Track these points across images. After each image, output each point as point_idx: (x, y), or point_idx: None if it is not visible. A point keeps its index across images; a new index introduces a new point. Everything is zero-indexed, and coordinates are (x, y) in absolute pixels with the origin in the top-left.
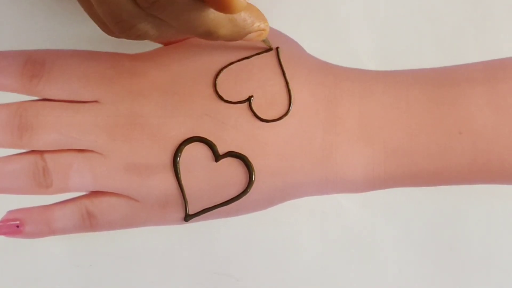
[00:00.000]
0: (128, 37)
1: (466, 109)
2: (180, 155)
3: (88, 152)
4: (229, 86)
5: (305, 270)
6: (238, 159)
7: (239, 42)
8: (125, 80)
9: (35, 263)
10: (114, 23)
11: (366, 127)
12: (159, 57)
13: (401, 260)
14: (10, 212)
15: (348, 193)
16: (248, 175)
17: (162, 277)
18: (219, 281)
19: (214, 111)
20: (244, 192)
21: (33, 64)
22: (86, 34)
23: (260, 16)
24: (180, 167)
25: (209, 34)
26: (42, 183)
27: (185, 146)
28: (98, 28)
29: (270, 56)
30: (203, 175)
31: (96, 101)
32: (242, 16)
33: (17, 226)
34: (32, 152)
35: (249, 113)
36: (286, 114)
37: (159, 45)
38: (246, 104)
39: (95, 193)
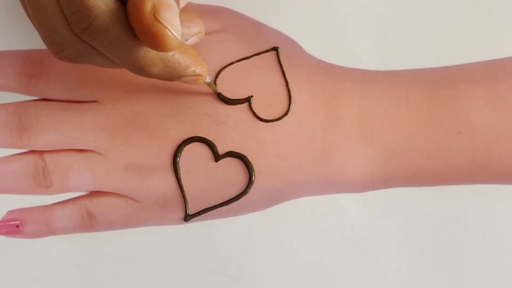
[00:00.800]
0: (61, 58)
1: (465, 109)
2: (180, 155)
3: (88, 152)
4: (228, 86)
5: (305, 270)
6: (238, 159)
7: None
8: (124, 79)
9: (35, 263)
10: (48, 44)
11: (366, 127)
12: None
13: (401, 260)
14: (10, 212)
15: (348, 193)
16: (248, 175)
17: (162, 277)
18: (219, 281)
19: (213, 111)
20: (244, 192)
21: (32, 64)
22: None
23: (198, 60)
24: (180, 167)
25: (141, 71)
26: (42, 183)
27: (185, 146)
28: None
29: (270, 56)
30: (203, 175)
31: (95, 101)
32: (176, 58)
33: (17, 226)
34: (32, 152)
35: (249, 113)
36: (286, 114)
37: None
38: (246, 104)
39: (95, 193)
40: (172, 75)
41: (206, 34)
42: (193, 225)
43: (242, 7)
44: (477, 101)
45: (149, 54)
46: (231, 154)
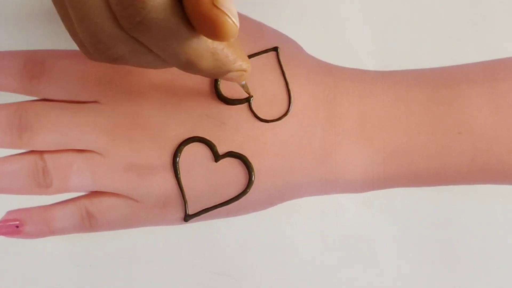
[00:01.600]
0: (104, 59)
1: (465, 109)
2: (180, 155)
3: (88, 152)
4: (228, 86)
5: (305, 270)
6: (237, 159)
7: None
8: (124, 80)
9: (35, 263)
10: (92, 44)
11: (366, 127)
12: None
13: (401, 260)
14: (9, 212)
15: (348, 193)
16: (247, 175)
17: (162, 277)
18: (219, 281)
19: (213, 111)
20: (244, 192)
21: (33, 64)
22: None
23: (243, 56)
24: (180, 167)
25: (190, 65)
26: (42, 183)
27: (184, 146)
28: None
29: (270, 56)
30: (203, 175)
31: (95, 101)
32: (225, 52)
33: (17, 226)
34: (32, 152)
35: (249, 113)
36: (286, 114)
37: None
38: (246, 104)
39: (94, 193)
40: (220, 69)
41: None
42: (193, 225)
43: (242, 7)
44: (477, 101)
45: (200, 46)
46: (231, 154)
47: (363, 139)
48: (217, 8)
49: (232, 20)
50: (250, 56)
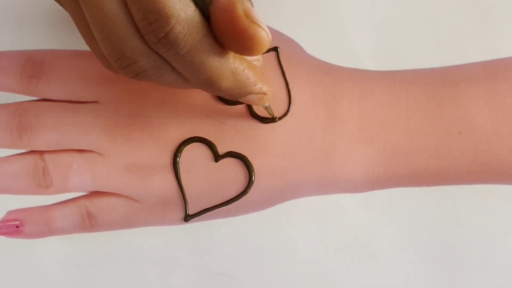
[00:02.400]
0: (127, 74)
1: (465, 109)
2: (180, 155)
3: (88, 152)
4: None
5: (305, 270)
6: (237, 159)
7: None
8: (124, 80)
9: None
10: (115, 59)
11: (366, 127)
12: None
13: (401, 260)
14: (10, 212)
15: (348, 193)
16: (247, 175)
17: (162, 277)
18: (219, 281)
19: (213, 112)
20: (244, 192)
21: (33, 64)
22: None
23: (264, 79)
24: (180, 167)
25: (210, 84)
26: (42, 183)
27: (185, 146)
28: None
29: (270, 56)
30: (203, 175)
31: (95, 102)
32: (246, 73)
33: (17, 226)
34: (32, 152)
35: (249, 114)
36: (286, 114)
37: None
38: (245, 104)
39: (94, 193)
40: (240, 90)
41: None
42: (193, 225)
43: None
44: (477, 101)
45: (222, 65)
46: (231, 154)
47: (363, 139)
48: (254, 22)
49: (267, 32)
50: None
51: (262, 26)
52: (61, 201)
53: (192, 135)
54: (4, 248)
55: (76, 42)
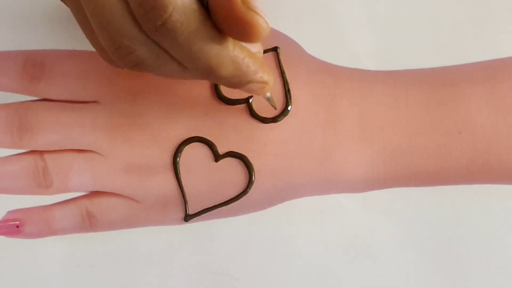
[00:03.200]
0: (126, 65)
1: (465, 109)
2: (180, 155)
3: (88, 152)
4: None
5: (305, 270)
6: (238, 159)
7: None
8: (124, 80)
9: (35, 263)
10: (114, 49)
11: (366, 127)
12: None
13: (401, 260)
14: (10, 212)
15: (348, 193)
16: (248, 175)
17: (162, 277)
18: (219, 281)
19: (213, 111)
20: (244, 192)
21: (33, 65)
22: None
23: (266, 68)
24: (180, 167)
25: (210, 72)
26: (42, 183)
27: (185, 146)
28: None
29: (270, 56)
30: (203, 175)
31: (95, 102)
32: (246, 61)
33: (17, 226)
34: (32, 152)
35: (249, 113)
36: (286, 114)
37: None
38: (245, 104)
39: (95, 193)
40: (240, 78)
41: None
42: (193, 225)
43: None
44: (477, 101)
45: (221, 52)
46: (231, 154)
47: (363, 139)
48: (251, 9)
49: (265, 19)
50: None
51: (260, 13)
52: (61, 201)
53: (192, 135)
54: (4, 248)
55: (76, 42)
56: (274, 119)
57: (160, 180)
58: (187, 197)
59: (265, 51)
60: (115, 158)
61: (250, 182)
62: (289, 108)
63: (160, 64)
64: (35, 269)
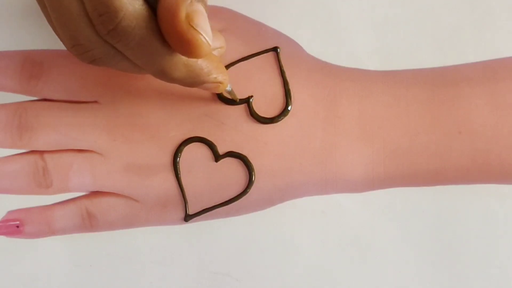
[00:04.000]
0: (83, 60)
1: (465, 109)
2: (180, 155)
3: (88, 152)
4: None
5: (305, 269)
6: (238, 159)
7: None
8: (124, 80)
9: (35, 263)
10: (71, 46)
11: (366, 127)
12: None
13: (401, 260)
14: (10, 212)
15: (348, 193)
16: (248, 175)
17: (162, 277)
18: (219, 281)
19: (213, 112)
20: (244, 192)
21: (32, 64)
22: None
23: (220, 68)
24: (180, 167)
25: (162, 74)
26: (42, 183)
27: (185, 146)
28: None
29: (269, 56)
30: (203, 175)
31: (95, 101)
32: (199, 64)
33: (17, 226)
34: (32, 152)
35: (249, 113)
36: (285, 114)
37: None
38: (245, 104)
39: (95, 193)
40: (194, 80)
41: None
42: (193, 225)
43: (242, 7)
44: (477, 101)
45: (173, 58)
46: (231, 154)
47: (363, 139)
48: (194, 28)
49: (206, 39)
50: (250, 56)
51: (202, 32)
52: (61, 201)
53: (192, 135)
54: (4, 248)
55: None
56: (274, 119)
57: (160, 180)
58: (187, 197)
59: (265, 51)
60: (115, 158)
61: (250, 182)
62: (289, 108)
63: (117, 62)
64: (35, 269)
